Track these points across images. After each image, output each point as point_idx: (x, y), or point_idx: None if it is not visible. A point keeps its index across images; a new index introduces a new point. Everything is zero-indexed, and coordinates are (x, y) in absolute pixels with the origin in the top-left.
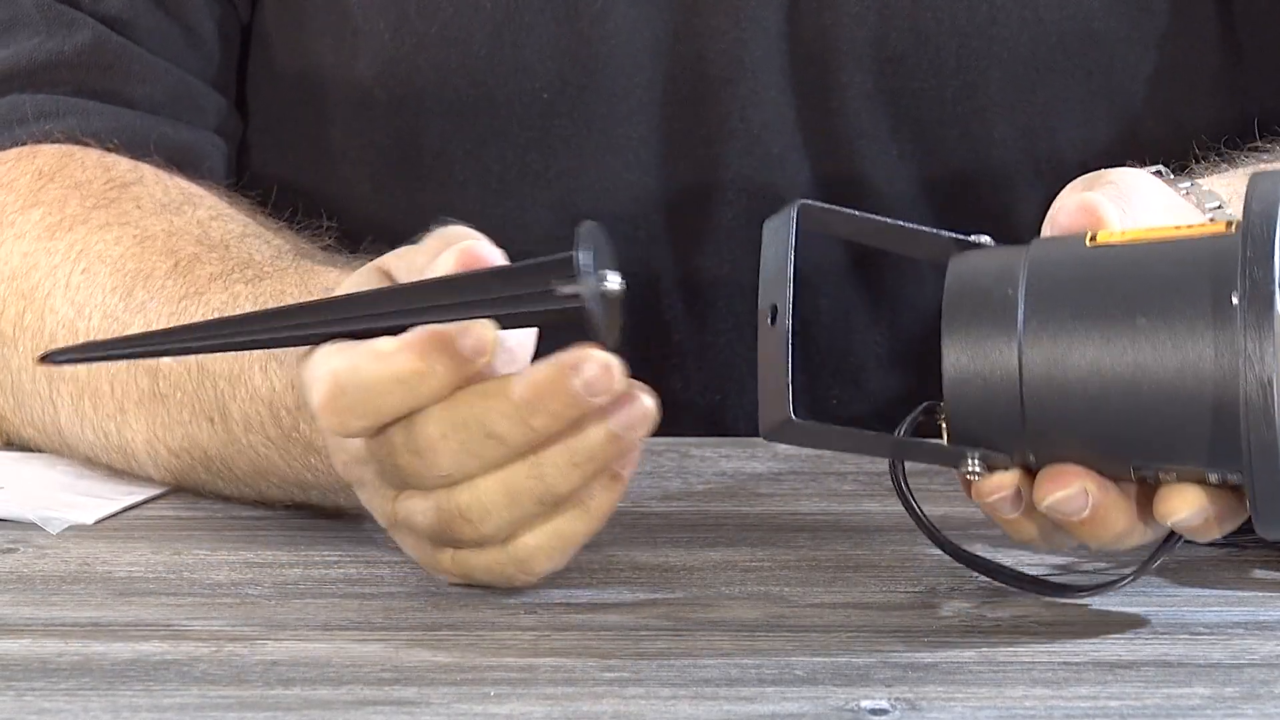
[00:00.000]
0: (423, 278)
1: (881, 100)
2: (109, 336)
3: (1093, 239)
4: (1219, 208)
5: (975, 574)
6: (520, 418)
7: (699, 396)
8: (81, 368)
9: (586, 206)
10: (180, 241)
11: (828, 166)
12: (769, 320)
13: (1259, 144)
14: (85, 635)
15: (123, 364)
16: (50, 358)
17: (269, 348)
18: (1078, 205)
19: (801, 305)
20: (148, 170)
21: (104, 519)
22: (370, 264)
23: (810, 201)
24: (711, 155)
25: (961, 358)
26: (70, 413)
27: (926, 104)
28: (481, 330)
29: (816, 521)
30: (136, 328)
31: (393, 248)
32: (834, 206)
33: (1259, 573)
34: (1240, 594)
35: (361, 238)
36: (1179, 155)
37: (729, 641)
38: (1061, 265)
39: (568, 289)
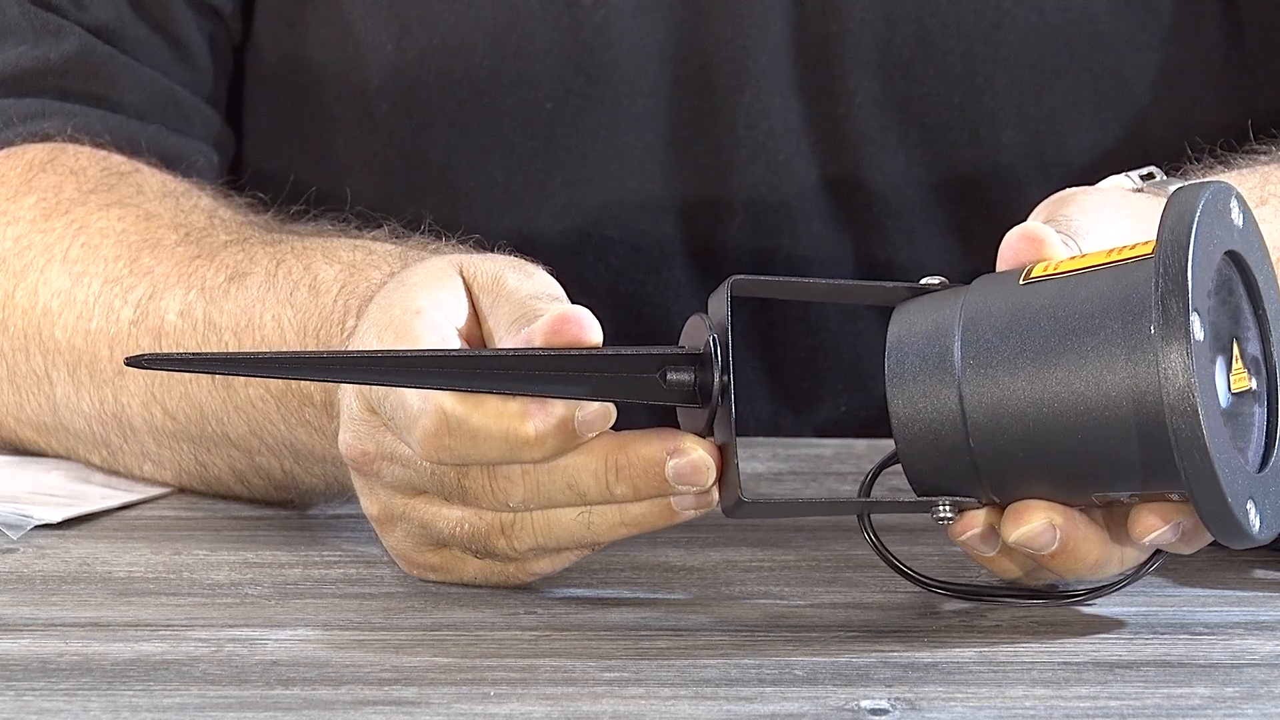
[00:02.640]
0: (531, 348)
1: (888, 106)
2: (177, 336)
3: (1027, 275)
4: None
5: (975, 574)
6: (605, 481)
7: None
8: (79, 338)
9: (592, 215)
10: (190, 218)
11: (835, 172)
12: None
13: (1256, 146)
14: (85, 635)
15: (125, 326)
16: (136, 361)
17: (365, 384)
18: (1020, 236)
19: (809, 314)
20: (143, 164)
21: (71, 519)
22: (448, 259)
23: (743, 276)
24: (718, 163)
25: (907, 408)
26: (67, 385)
27: (933, 109)
28: (600, 416)
29: (816, 521)
30: (141, 291)
31: None
32: (767, 277)
33: (1259, 573)
34: (1240, 594)
35: None
36: (1186, 156)
37: (729, 641)
38: (995, 305)
39: (676, 376)
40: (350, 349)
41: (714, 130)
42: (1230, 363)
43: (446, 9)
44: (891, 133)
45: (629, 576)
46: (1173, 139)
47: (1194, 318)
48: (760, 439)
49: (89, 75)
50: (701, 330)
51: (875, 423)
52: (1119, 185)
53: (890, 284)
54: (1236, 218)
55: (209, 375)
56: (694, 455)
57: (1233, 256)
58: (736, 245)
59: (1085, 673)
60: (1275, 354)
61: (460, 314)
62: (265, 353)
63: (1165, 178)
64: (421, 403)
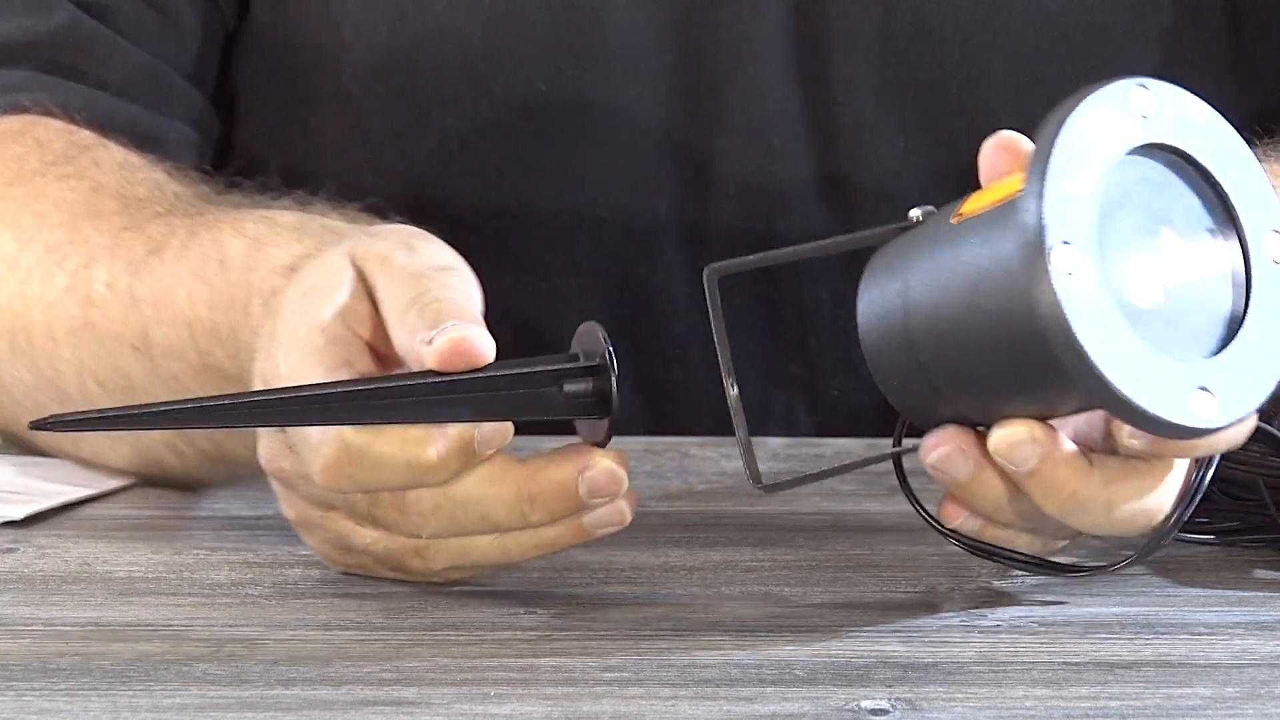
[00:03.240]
0: (428, 374)
1: (885, 93)
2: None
3: (957, 213)
4: None
5: (975, 574)
6: (520, 511)
7: (700, 387)
8: (18, 303)
9: (586, 197)
10: (134, 189)
11: (830, 159)
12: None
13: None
14: (85, 635)
15: (59, 294)
16: (41, 425)
17: (271, 425)
18: (994, 146)
19: (802, 297)
20: (110, 140)
21: (35, 514)
22: (340, 251)
23: (717, 264)
24: (712, 148)
25: (872, 333)
26: (5, 350)
27: (931, 97)
28: (497, 434)
29: (816, 521)
30: (77, 259)
31: None
32: (746, 257)
33: (1259, 573)
34: (1240, 594)
35: None
36: None
37: (729, 641)
38: (930, 244)
39: (574, 388)
40: (249, 391)
41: (709, 115)
42: (1159, 258)
43: None
44: (888, 120)
45: (629, 576)
46: None
47: (1064, 231)
48: (760, 439)
49: (74, 49)
50: (596, 339)
51: (867, 407)
52: None
53: (879, 229)
54: (1146, 108)
55: (130, 350)
56: (603, 465)
57: (1159, 149)
58: (730, 229)
59: (1085, 673)
60: (1247, 232)
61: (362, 311)
62: (160, 405)
63: None
64: (321, 434)
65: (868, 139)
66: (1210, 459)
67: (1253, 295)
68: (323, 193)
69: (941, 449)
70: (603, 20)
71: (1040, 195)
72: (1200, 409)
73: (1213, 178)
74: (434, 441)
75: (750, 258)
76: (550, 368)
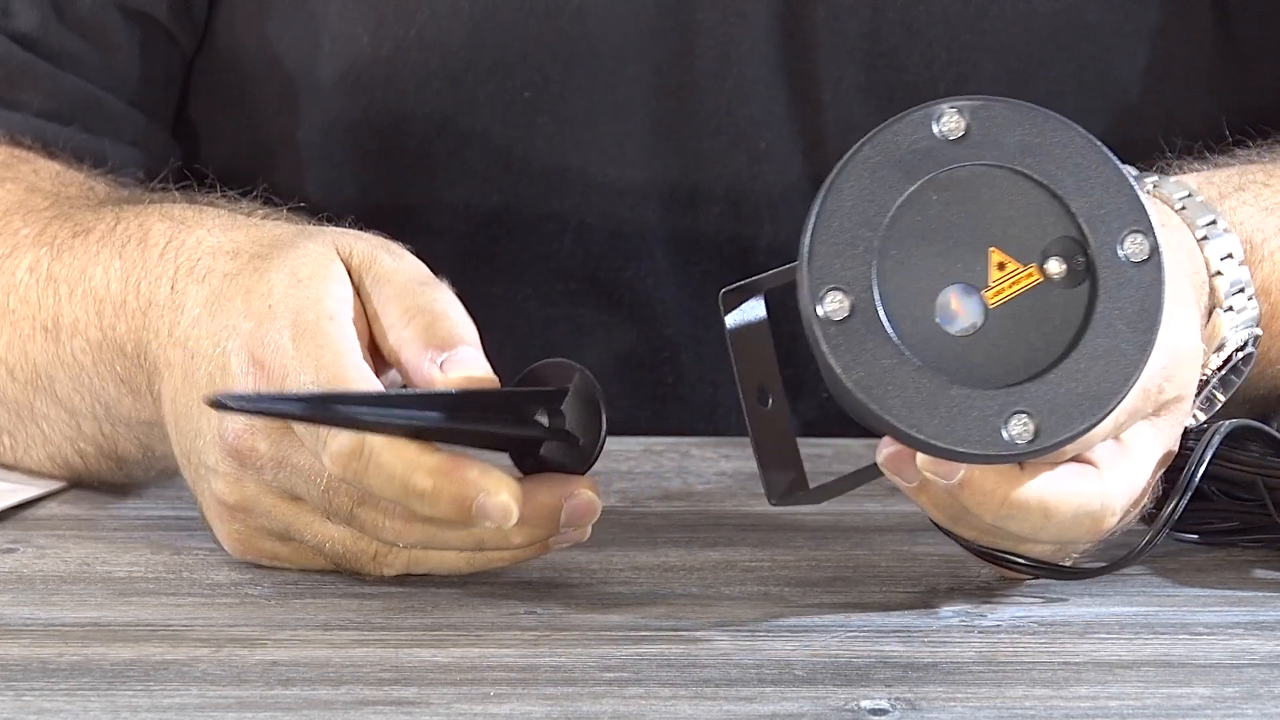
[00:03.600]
0: (429, 389)
1: (873, 94)
2: None
3: None
4: (1188, 196)
5: (975, 574)
6: (505, 535)
7: (692, 389)
8: None
9: (571, 202)
10: (67, 190)
11: (817, 161)
12: (758, 400)
13: (1242, 141)
14: (85, 635)
15: None
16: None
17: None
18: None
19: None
20: (54, 160)
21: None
22: (323, 243)
23: (729, 286)
24: (699, 150)
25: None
26: None
27: (919, 97)
28: (500, 511)
29: (816, 521)
30: (3, 249)
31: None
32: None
33: (1259, 573)
34: (1240, 594)
35: None
36: (1170, 149)
37: (729, 641)
38: None
39: (554, 421)
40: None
41: (695, 117)
42: (967, 284)
43: (423, 1)
44: (876, 121)
45: (629, 576)
46: (1158, 131)
47: (831, 277)
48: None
49: (5, 81)
50: (572, 371)
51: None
52: None
53: None
54: (952, 130)
55: (40, 331)
56: (585, 495)
57: (981, 168)
58: (717, 233)
59: (1085, 673)
60: (1088, 231)
61: (358, 307)
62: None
63: (1138, 173)
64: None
65: (855, 140)
66: (1200, 455)
67: (1099, 300)
68: (255, 192)
69: (888, 449)
70: (586, 25)
71: (808, 246)
72: (1016, 432)
73: (1051, 189)
74: (429, 473)
75: (763, 275)
76: (542, 390)
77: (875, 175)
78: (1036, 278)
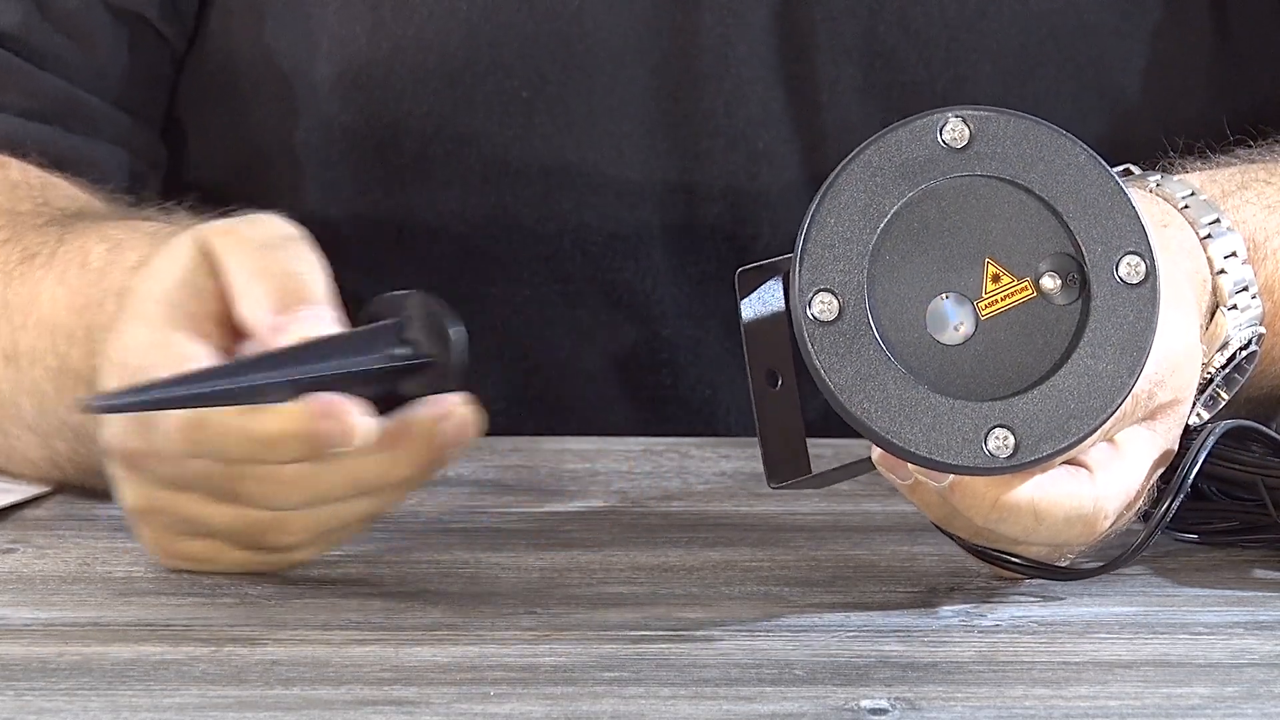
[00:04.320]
0: (275, 348)
1: (871, 94)
2: None
3: None
4: (1191, 195)
5: (975, 574)
6: (386, 469)
7: (690, 391)
8: None
9: (570, 203)
10: (20, 205)
11: (816, 161)
12: (767, 382)
13: (1245, 139)
14: (85, 635)
15: None
16: (87, 406)
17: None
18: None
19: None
20: (15, 161)
21: None
22: (189, 236)
23: (745, 267)
24: (697, 151)
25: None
26: None
27: (917, 97)
28: (350, 426)
29: (816, 521)
30: None
31: (376, 249)
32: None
33: (1259, 573)
34: (1240, 594)
35: (344, 240)
36: (1170, 149)
37: (729, 641)
38: None
39: (400, 350)
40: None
41: (693, 118)
42: (962, 295)
43: (421, 2)
44: (874, 121)
45: (629, 576)
46: (1157, 131)
47: (822, 279)
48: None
49: None
50: (407, 298)
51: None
52: None
53: None
54: (956, 139)
55: (2, 360)
56: (461, 411)
57: (981, 180)
58: (716, 233)
59: (1085, 673)
60: (1085, 250)
61: (204, 285)
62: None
63: (1140, 173)
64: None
65: (853, 140)
66: (1195, 455)
67: (1091, 320)
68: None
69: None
70: (584, 26)
71: (803, 246)
72: (995, 447)
73: (1051, 204)
74: (276, 417)
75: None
76: (382, 325)
77: (875, 179)
78: (1030, 292)
